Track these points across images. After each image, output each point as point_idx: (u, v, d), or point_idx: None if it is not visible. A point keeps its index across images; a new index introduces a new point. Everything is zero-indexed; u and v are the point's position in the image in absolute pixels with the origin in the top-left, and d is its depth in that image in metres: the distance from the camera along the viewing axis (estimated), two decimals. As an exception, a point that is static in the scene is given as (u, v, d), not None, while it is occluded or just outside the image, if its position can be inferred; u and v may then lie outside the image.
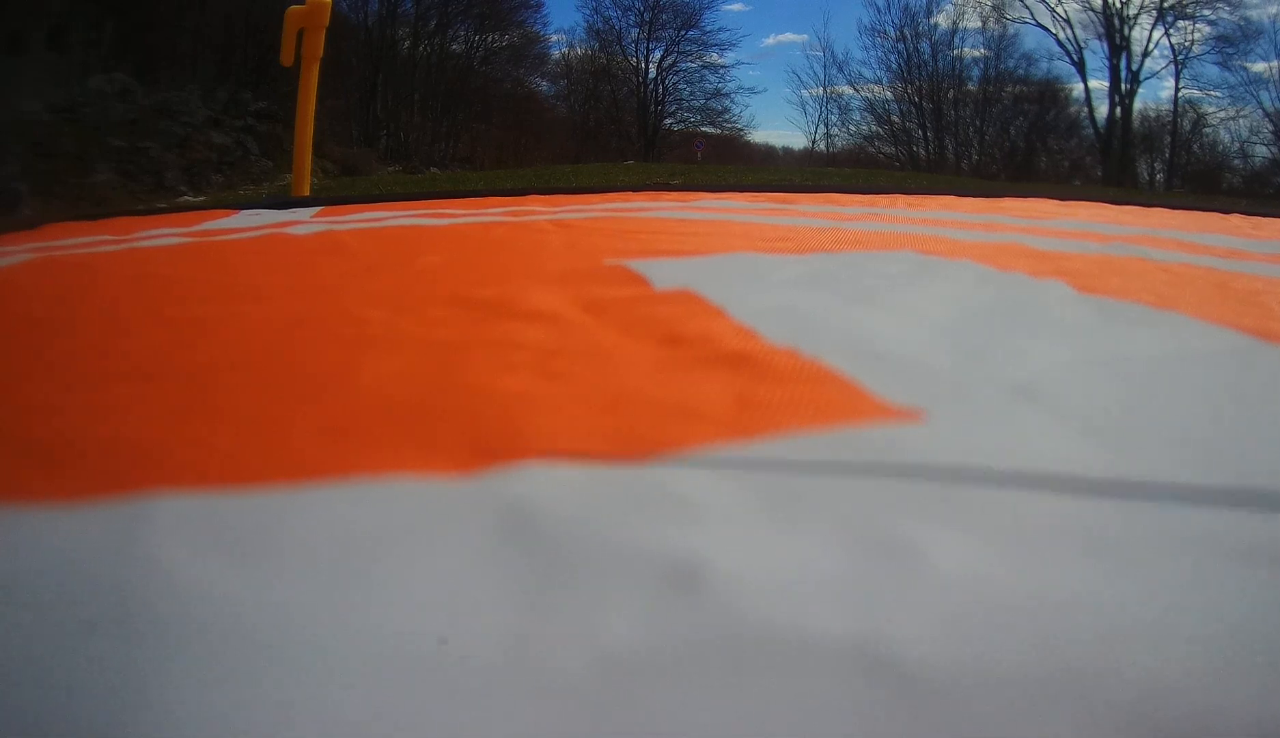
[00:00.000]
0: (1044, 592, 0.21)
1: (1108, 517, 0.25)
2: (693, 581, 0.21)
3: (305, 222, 1.06)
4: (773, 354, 0.40)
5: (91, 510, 0.25)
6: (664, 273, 0.60)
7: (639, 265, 0.63)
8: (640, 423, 0.31)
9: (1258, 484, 0.27)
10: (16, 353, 0.43)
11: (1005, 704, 0.17)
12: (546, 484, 0.26)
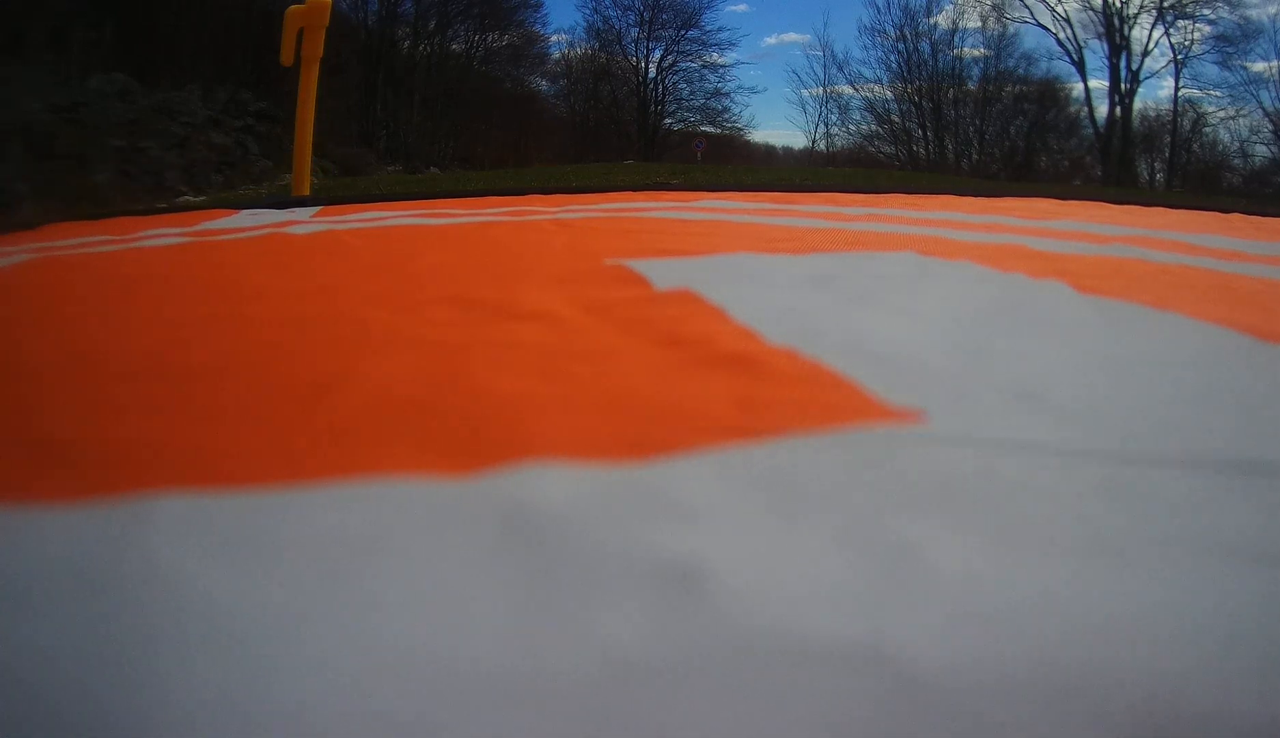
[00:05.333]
0: (1044, 592, 0.21)
1: (1108, 517, 0.25)
2: (692, 581, 0.21)
3: (305, 222, 1.06)
4: (773, 355, 0.40)
5: (92, 511, 0.25)
6: (664, 273, 0.60)
7: (639, 265, 0.63)
8: (641, 424, 0.31)
9: (1258, 484, 0.27)
10: (17, 353, 0.43)
11: (1005, 703, 0.17)
12: (547, 485, 0.26)
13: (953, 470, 0.27)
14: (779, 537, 0.23)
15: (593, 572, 0.22)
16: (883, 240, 0.85)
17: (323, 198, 1.56)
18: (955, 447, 0.29)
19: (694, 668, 0.18)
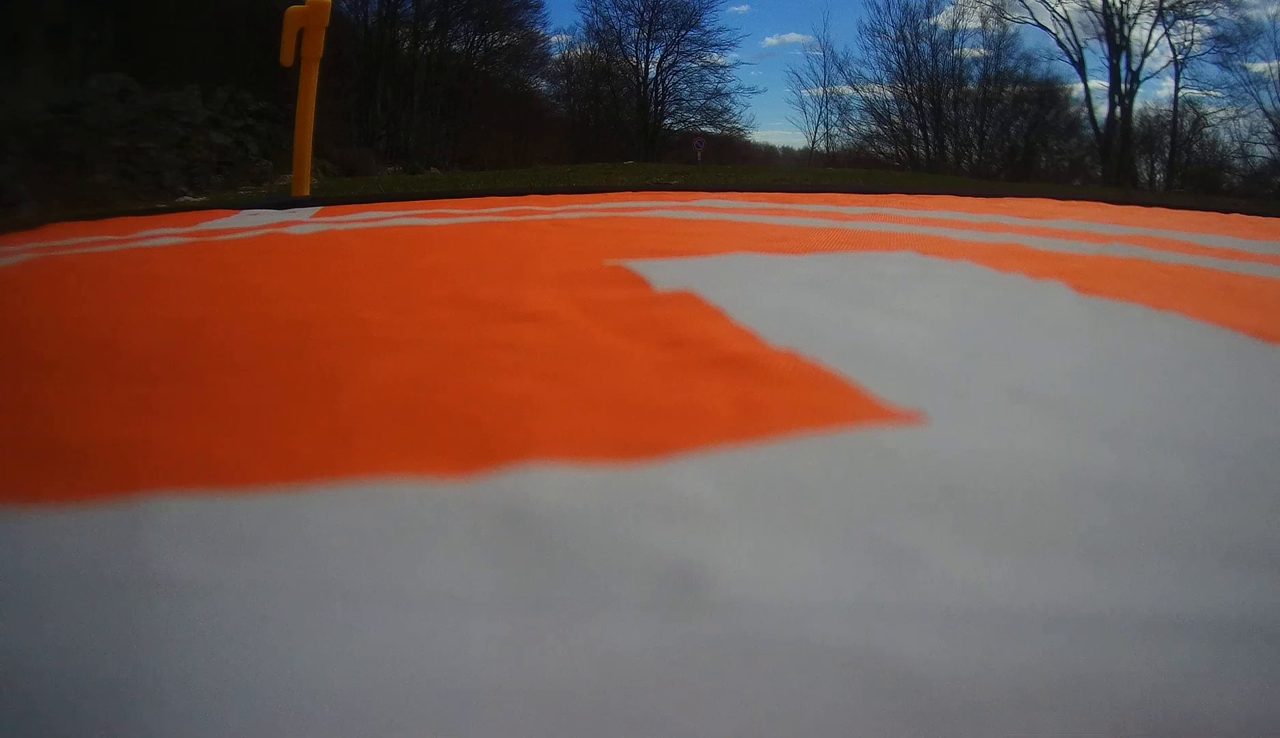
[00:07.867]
0: (1044, 594, 0.21)
1: (1108, 519, 0.24)
2: (693, 584, 0.21)
3: (305, 222, 1.06)
4: (773, 356, 0.40)
5: (91, 512, 0.25)
6: (664, 274, 0.60)
7: (639, 266, 0.63)
8: (640, 425, 0.31)
9: (1258, 485, 0.27)
10: (16, 353, 0.43)
11: (1005, 707, 0.17)
12: (546, 487, 0.26)
13: (953, 471, 0.27)
14: (779, 538, 0.23)
15: (592, 573, 0.22)
16: (883, 240, 0.85)
17: (323, 198, 1.56)
18: (956, 447, 0.29)
19: (694, 671, 0.18)
